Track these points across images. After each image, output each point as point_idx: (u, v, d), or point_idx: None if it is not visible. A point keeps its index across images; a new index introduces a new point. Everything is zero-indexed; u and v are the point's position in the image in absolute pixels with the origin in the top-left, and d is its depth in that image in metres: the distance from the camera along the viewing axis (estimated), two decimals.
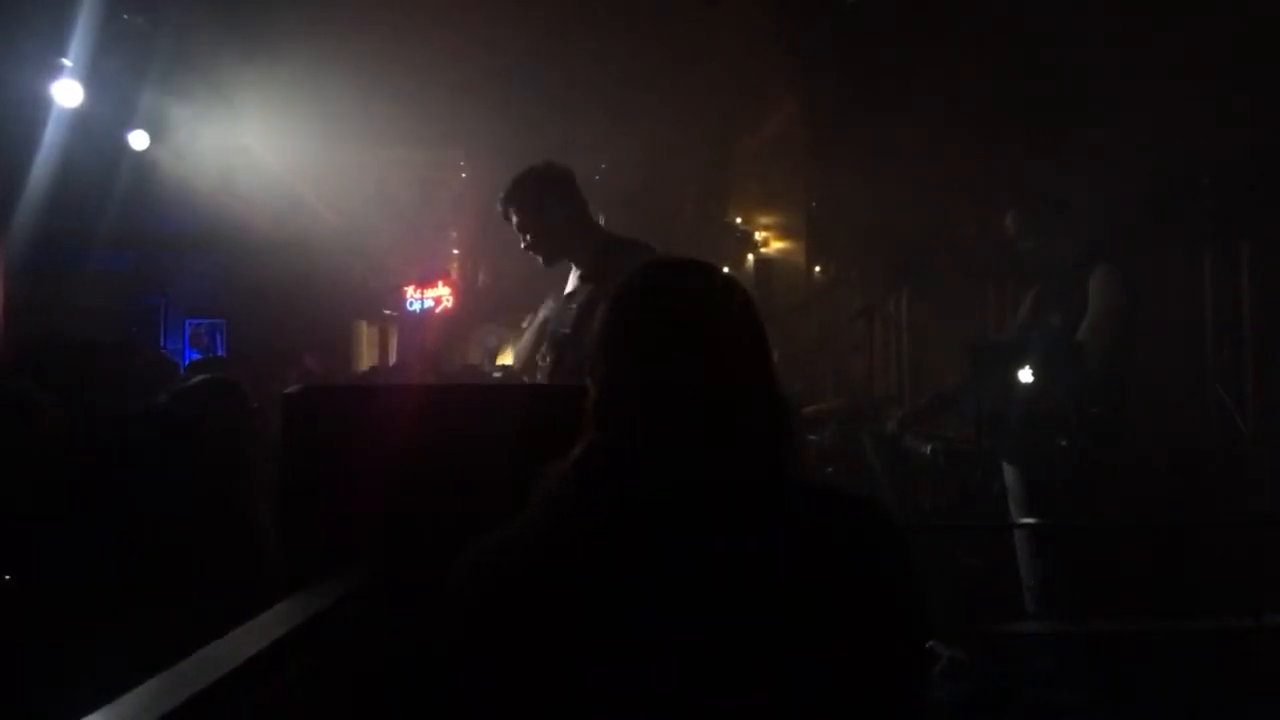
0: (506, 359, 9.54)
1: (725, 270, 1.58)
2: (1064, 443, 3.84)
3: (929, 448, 4.47)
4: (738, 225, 11.03)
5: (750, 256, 10.87)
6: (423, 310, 12.63)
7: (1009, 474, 4.09)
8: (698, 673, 1.28)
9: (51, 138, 7.62)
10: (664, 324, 1.43)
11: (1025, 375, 3.93)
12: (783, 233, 10.73)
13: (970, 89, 6.07)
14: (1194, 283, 5.66)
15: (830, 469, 4.78)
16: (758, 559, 1.31)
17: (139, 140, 8.44)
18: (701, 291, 1.47)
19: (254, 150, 9.56)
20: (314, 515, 2.19)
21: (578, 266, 3.71)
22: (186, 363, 8.44)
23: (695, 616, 1.29)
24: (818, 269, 9.81)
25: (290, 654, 1.36)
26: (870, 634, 1.32)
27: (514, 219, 3.60)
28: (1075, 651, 2.93)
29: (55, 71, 7.02)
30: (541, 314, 3.93)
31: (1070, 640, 2.98)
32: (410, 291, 12.80)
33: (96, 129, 7.91)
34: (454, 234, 14.15)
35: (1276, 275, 5.16)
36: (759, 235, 10.97)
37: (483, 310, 11.24)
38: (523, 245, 3.63)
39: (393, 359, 13.09)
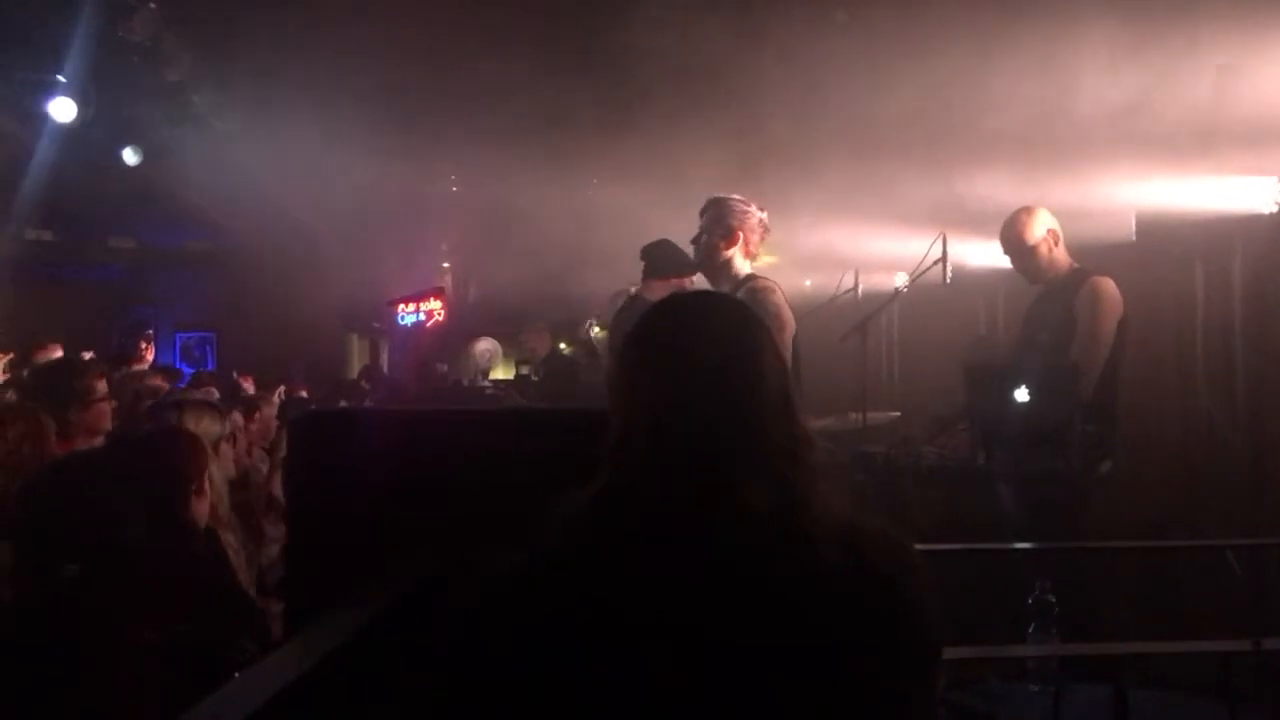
0: (499, 373, 9.53)
1: (740, 300, 1.61)
2: (1061, 463, 3.87)
3: (922, 467, 4.49)
4: None
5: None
6: (414, 324, 12.60)
7: (1006, 493, 4.12)
8: (719, 702, 1.30)
9: (44, 152, 7.63)
10: (680, 361, 1.45)
11: (1021, 395, 3.95)
12: (770, 248, 10.72)
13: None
14: (1186, 294, 5.70)
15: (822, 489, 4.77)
16: (779, 592, 1.33)
17: (131, 155, 8.45)
18: (717, 327, 1.48)
19: (245, 165, 9.56)
20: (324, 539, 2.19)
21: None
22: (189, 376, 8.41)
23: (717, 646, 1.31)
24: (808, 282, 9.82)
25: (319, 685, 1.36)
26: (886, 667, 1.33)
27: (704, 217, 4.40)
28: (1073, 672, 2.94)
29: (50, 88, 7.04)
30: None
31: (1068, 662, 3.00)
32: (401, 306, 12.77)
33: (89, 144, 7.92)
34: (444, 247, 14.14)
35: (1267, 287, 5.20)
36: None
37: (475, 324, 11.23)
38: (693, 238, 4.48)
39: (385, 372, 13.05)
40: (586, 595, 1.35)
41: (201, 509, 2.59)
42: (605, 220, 8.84)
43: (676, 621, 1.32)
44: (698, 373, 1.43)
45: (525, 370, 8.95)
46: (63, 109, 7.19)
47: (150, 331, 7.83)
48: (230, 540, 2.77)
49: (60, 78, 6.97)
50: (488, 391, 7.70)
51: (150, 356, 7.58)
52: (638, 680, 1.31)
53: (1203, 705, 2.89)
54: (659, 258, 5.19)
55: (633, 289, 6.94)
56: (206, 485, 2.63)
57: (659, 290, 4.96)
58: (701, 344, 1.46)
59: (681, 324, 1.51)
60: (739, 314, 1.54)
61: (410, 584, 1.93)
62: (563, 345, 10.24)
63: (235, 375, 8.21)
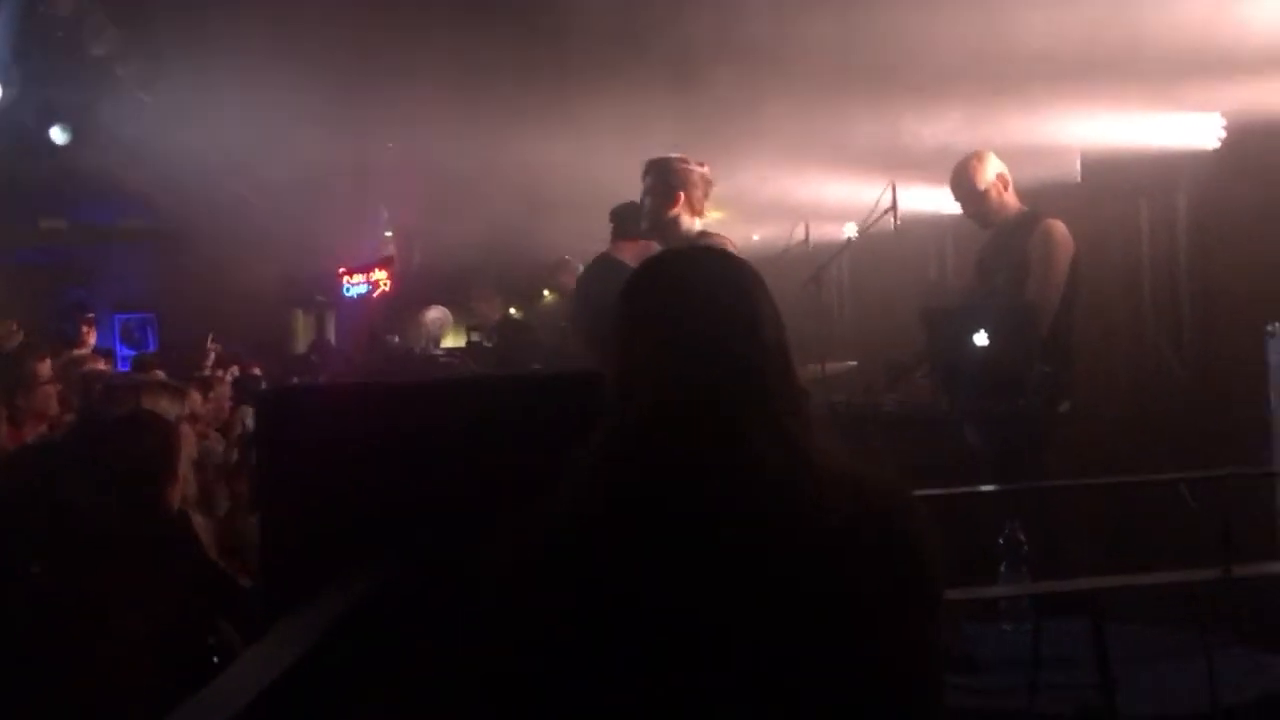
0: (450, 341, 9.46)
1: (734, 254, 1.58)
2: (1021, 402, 3.91)
3: (883, 415, 4.52)
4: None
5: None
6: (360, 296, 12.42)
7: (971, 436, 4.16)
8: (723, 652, 1.29)
9: None
10: (679, 320, 1.42)
11: (981, 338, 3.98)
12: (718, 203, 10.68)
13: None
14: (1131, 231, 5.77)
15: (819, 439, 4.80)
16: (779, 544, 1.32)
17: (60, 134, 8.24)
18: (713, 281, 1.47)
19: (177, 140, 9.35)
20: (295, 518, 2.15)
21: None
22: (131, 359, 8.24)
23: (719, 598, 1.30)
24: (756, 236, 9.81)
25: (298, 683, 1.32)
26: (897, 612, 1.33)
27: (645, 181, 4.38)
28: (1043, 610, 2.99)
29: None
30: None
31: (1040, 600, 3.05)
32: (347, 278, 12.58)
33: (15, 125, 7.71)
34: (385, 215, 13.94)
35: (1211, 223, 5.28)
36: None
37: (422, 292, 11.12)
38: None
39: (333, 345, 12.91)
40: (593, 575, 1.33)
41: (176, 494, 2.56)
42: (548, 181, 8.77)
43: (692, 591, 1.30)
44: (698, 331, 1.41)
45: (476, 337, 8.89)
46: None
47: (91, 315, 7.63)
48: (199, 520, 2.74)
49: None
50: (441, 360, 7.63)
51: (92, 340, 7.40)
52: (649, 631, 1.29)
53: (1172, 634, 2.96)
54: (628, 218, 5.16)
55: (568, 257, 6.97)
56: (180, 470, 2.59)
57: (628, 251, 5.00)
58: (699, 301, 1.43)
59: (677, 281, 1.49)
60: (735, 267, 1.52)
61: (386, 575, 1.89)
62: (513, 310, 10.19)
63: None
